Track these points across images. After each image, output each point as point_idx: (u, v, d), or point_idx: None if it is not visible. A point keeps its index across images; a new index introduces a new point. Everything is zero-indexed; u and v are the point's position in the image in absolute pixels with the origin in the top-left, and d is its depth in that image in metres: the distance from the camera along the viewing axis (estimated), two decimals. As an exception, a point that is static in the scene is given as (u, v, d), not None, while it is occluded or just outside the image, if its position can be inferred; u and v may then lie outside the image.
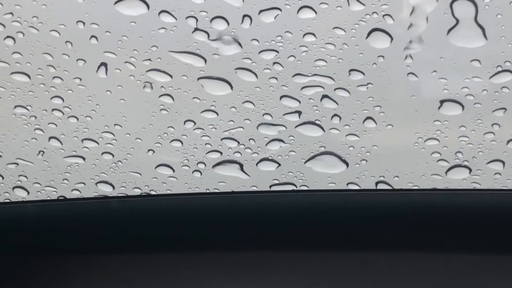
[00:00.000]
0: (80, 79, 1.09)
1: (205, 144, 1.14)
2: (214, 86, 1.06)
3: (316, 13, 0.97)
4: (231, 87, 1.07)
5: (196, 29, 1.01)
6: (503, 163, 1.09)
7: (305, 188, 1.17)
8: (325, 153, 1.11)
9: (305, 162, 1.11)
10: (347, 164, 1.12)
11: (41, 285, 1.22)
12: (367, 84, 1.04)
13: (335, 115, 1.09)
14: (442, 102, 1.05)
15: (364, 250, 1.13)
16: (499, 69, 1.00)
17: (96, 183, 1.19)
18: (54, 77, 1.08)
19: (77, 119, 1.13)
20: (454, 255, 1.11)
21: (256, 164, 1.14)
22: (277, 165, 1.15)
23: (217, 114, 1.11)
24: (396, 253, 1.12)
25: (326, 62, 1.03)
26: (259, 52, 1.03)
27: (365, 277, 1.14)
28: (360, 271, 1.14)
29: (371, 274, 1.13)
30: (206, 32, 1.01)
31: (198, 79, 1.06)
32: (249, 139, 1.13)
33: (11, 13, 1.02)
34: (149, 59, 1.05)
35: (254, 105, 1.09)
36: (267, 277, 1.18)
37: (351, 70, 1.03)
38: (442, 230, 1.12)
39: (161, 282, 1.22)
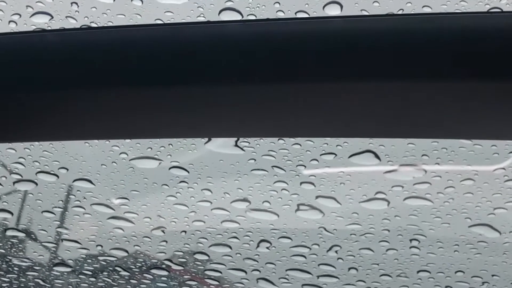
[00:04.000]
0: None
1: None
2: None
3: None
4: None
5: None
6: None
7: (253, 17, 1.12)
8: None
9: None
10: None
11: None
12: None
13: None
14: None
15: (318, 80, 1.09)
16: None
17: (32, 15, 1.12)
18: None
19: None
20: (406, 83, 1.08)
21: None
22: (223, -9, 1.09)
23: None
24: (343, 83, 1.08)
25: None
26: None
27: (317, 106, 1.11)
28: (311, 101, 1.10)
29: (318, 104, 1.10)
30: None
31: None
32: (192, -40, 1.06)
33: None
34: None
35: None
36: (212, 110, 1.14)
37: None
38: (395, 57, 1.08)
39: (103, 122, 1.18)
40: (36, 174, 1.39)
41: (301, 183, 1.40)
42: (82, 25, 1.13)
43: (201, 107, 1.16)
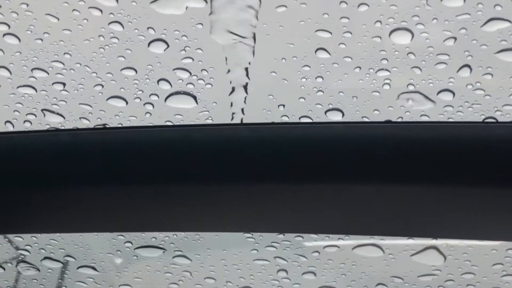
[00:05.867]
0: (27, 5, 1.06)
1: (157, 76, 1.13)
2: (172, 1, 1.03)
3: None
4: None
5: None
6: (453, 93, 1.09)
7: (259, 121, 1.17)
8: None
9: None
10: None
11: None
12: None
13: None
14: (393, 31, 1.05)
15: (316, 181, 1.13)
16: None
17: (45, 114, 1.17)
18: None
19: (26, 47, 1.11)
20: (404, 186, 1.12)
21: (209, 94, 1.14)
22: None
23: (168, 44, 1.09)
24: (345, 184, 1.12)
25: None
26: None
27: (314, 207, 1.14)
28: (310, 202, 1.14)
29: (320, 203, 1.14)
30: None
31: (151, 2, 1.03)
32: (202, 70, 1.12)
33: None
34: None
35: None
36: (222, 210, 1.18)
37: None
38: (393, 162, 1.13)
39: (112, 216, 1.22)
40: (41, 260, 1.41)
41: (302, 273, 1.42)
42: (96, 125, 1.18)
43: (209, 204, 1.19)
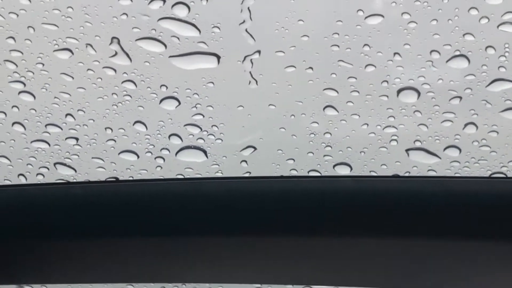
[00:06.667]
0: (43, 65, 1.09)
1: (168, 131, 1.15)
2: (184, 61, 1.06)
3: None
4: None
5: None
6: (460, 149, 1.11)
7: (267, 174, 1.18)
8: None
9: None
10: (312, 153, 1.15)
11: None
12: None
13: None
14: (399, 90, 1.07)
15: (323, 234, 1.15)
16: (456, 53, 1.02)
17: (57, 167, 1.19)
18: (16, 62, 1.09)
19: (40, 104, 1.13)
20: (411, 240, 1.13)
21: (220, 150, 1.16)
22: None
23: (179, 102, 1.12)
24: (352, 237, 1.13)
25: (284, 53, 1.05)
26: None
27: (322, 259, 1.15)
28: (318, 254, 1.15)
29: (328, 256, 1.15)
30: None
31: (170, 57, 1.06)
32: (212, 126, 1.14)
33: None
34: (111, 45, 1.06)
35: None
36: (231, 262, 1.19)
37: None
38: (401, 216, 1.14)
39: (122, 268, 1.22)
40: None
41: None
42: (107, 178, 1.20)
43: (219, 256, 1.20)
